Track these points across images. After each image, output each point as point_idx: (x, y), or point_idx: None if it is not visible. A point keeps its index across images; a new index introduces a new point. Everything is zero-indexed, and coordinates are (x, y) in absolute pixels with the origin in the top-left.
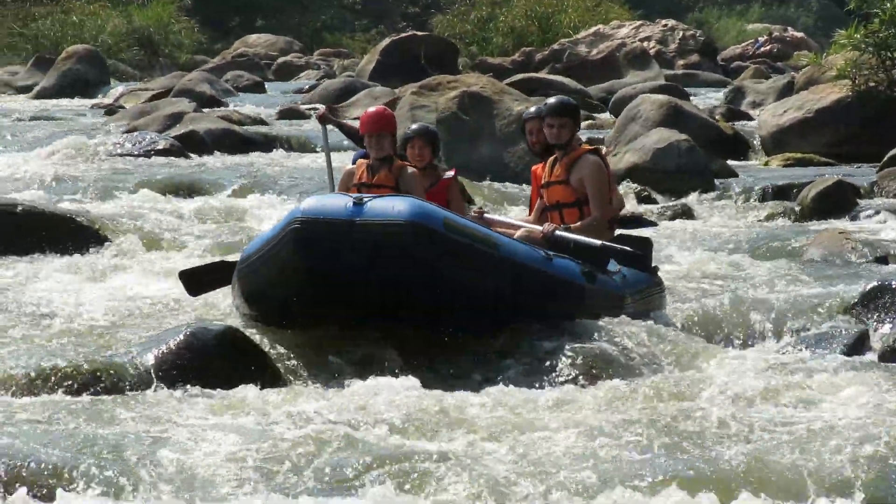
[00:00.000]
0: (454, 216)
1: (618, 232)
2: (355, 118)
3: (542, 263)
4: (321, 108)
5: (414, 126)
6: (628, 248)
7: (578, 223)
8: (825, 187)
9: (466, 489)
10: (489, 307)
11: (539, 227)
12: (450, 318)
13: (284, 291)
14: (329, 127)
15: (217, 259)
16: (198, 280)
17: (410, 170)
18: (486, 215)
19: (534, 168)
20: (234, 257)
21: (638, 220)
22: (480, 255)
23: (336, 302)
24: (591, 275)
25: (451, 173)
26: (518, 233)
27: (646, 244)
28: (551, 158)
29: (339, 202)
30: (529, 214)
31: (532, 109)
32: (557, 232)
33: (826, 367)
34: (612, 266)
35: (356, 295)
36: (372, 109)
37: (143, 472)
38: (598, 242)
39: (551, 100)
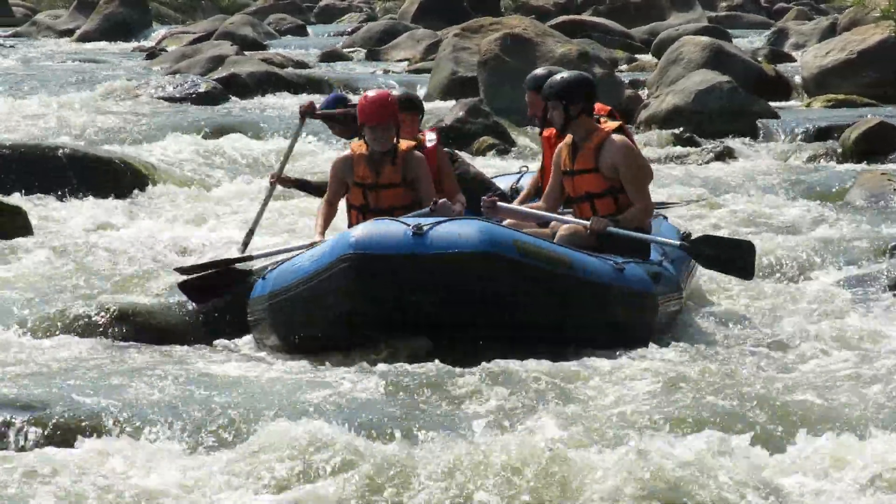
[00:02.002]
0: (524, 237)
1: (704, 233)
2: (402, 59)
3: (615, 277)
4: (306, 102)
5: (396, 94)
6: (737, 240)
7: (623, 216)
8: (867, 128)
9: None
10: (562, 329)
11: (581, 222)
12: (518, 343)
13: (330, 327)
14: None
15: (213, 259)
16: (199, 287)
17: (417, 154)
18: (499, 203)
19: (545, 134)
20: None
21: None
22: (555, 277)
23: (391, 335)
24: (657, 276)
25: (432, 136)
26: (560, 232)
27: (748, 248)
28: (568, 141)
29: (396, 232)
30: (541, 184)
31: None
32: (610, 228)
33: (869, 304)
34: (656, 253)
35: (417, 328)
36: (372, 94)
37: (173, 414)
38: (675, 242)
39: (540, 72)
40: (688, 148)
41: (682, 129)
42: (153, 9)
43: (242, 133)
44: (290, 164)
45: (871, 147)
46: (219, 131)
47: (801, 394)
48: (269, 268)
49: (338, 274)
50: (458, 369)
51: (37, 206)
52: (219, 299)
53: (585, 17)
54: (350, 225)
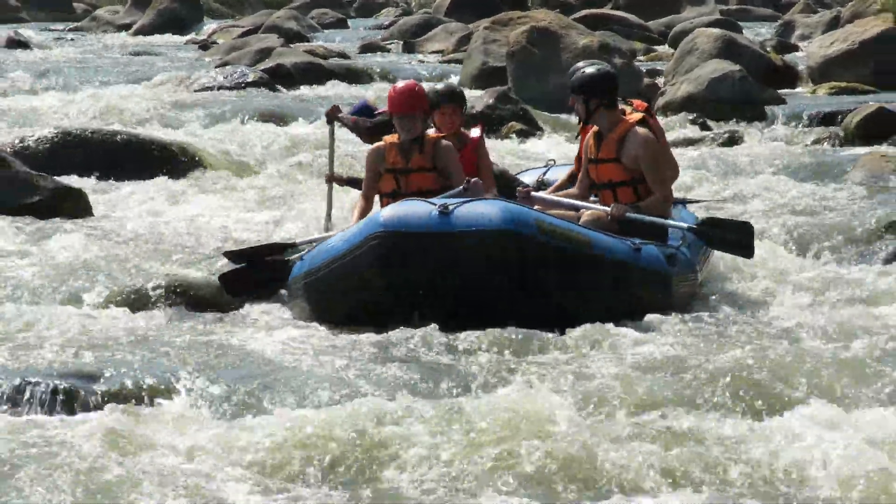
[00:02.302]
0: (545, 217)
1: (706, 214)
2: (435, 51)
3: (633, 256)
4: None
5: (440, 88)
6: (738, 222)
7: (643, 203)
8: (868, 113)
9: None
10: (581, 306)
11: (603, 208)
12: (537, 320)
13: (361, 304)
14: (336, 124)
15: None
16: (236, 280)
17: (444, 143)
18: (532, 193)
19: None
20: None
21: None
22: (575, 255)
23: (419, 311)
24: (673, 258)
25: (477, 132)
26: (584, 217)
27: (748, 229)
28: (595, 130)
29: (422, 211)
30: (576, 171)
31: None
32: (629, 214)
33: (869, 277)
34: (674, 240)
35: (443, 305)
36: (401, 85)
37: (216, 380)
38: (684, 224)
39: (581, 65)
40: (701, 132)
41: (696, 114)
42: (204, 4)
43: (288, 119)
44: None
45: (871, 131)
46: (266, 118)
47: (798, 350)
48: (307, 250)
49: (367, 252)
50: (467, 340)
51: (96, 188)
52: (251, 293)
53: (606, 10)
54: None
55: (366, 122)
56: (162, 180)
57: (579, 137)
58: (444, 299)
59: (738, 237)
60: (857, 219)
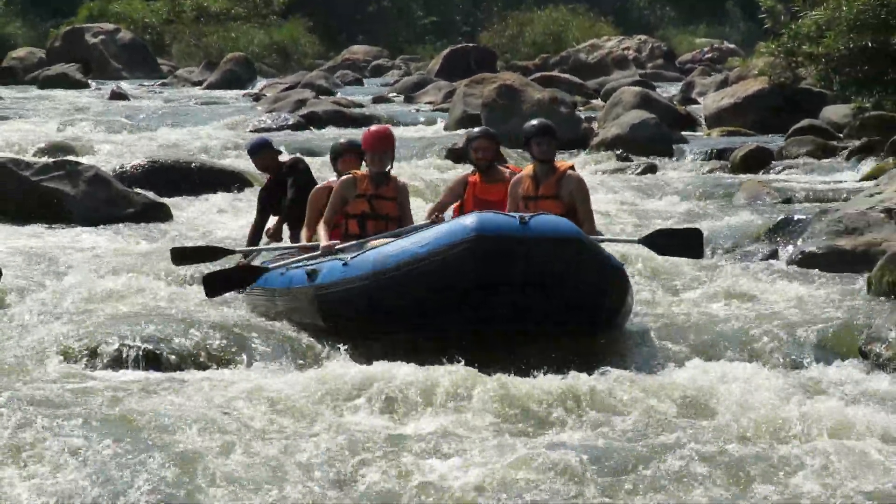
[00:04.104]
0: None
1: (659, 226)
2: (428, 101)
3: (621, 266)
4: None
5: (341, 142)
6: (687, 229)
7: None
8: (749, 150)
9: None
10: (600, 307)
11: None
12: (583, 310)
13: (441, 305)
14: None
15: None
16: (217, 281)
17: (402, 182)
18: None
19: (471, 179)
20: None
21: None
22: (599, 260)
23: (493, 311)
24: None
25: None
26: None
27: (697, 234)
28: (529, 173)
29: (510, 221)
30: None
31: (476, 130)
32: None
33: (750, 273)
34: None
35: (513, 303)
36: (374, 128)
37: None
38: (635, 238)
39: (534, 122)
40: (625, 163)
41: (621, 150)
42: (257, 67)
43: (318, 152)
44: None
45: (751, 163)
46: (302, 151)
47: (696, 330)
48: (347, 257)
49: (464, 251)
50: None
51: (175, 201)
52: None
53: (556, 73)
54: (346, 232)
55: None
56: (222, 195)
57: (467, 186)
58: (516, 292)
59: (687, 241)
60: (741, 228)
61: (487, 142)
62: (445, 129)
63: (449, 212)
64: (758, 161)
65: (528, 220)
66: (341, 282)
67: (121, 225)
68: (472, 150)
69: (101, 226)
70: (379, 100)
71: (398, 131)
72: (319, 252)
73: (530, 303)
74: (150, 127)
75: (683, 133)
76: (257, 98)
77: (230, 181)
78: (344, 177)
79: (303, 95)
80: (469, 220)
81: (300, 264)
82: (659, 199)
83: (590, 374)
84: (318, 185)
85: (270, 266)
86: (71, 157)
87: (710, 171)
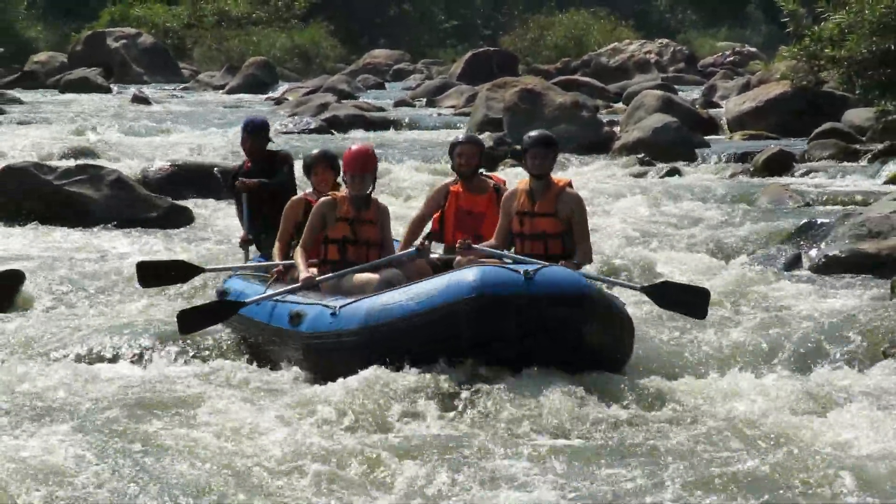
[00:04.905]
0: (592, 281)
1: (663, 278)
2: (450, 105)
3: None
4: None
5: (314, 153)
6: (695, 287)
7: (578, 258)
8: (771, 154)
9: None
10: (607, 356)
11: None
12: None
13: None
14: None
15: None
16: (195, 317)
17: (383, 205)
18: (473, 245)
19: (453, 188)
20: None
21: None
22: (605, 313)
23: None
24: None
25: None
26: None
27: (704, 294)
28: (524, 187)
29: (513, 277)
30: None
31: (461, 136)
32: (581, 272)
33: (772, 277)
34: None
35: (524, 358)
36: (355, 148)
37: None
38: (637, 285)
39: (534, 133)
40: (647, 167)
41: (643, 154)
42: (279, 71)
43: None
44: None
45: (773, 167)
46: None
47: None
48: (336, 307)
49: (467, 308)
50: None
51: (197, 205)
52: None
53: (577, 77)
54: (325, 258)
55: (258, 185)
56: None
57: (448, 196)
58: (530, 349)
59: (692, 299)
60: (764, 232)
61: (471, 147)
62: (468, 130)
63: (429, 225)
64: (780, 164)
65: (532, 274)
66: (332, 333)
67: (143, 228)
68: (455, 157)
69: (124, 229)
70: (400, 104)
71: (419, 134)
72: (300, 284)
73: (530, 353)
74: (172, 131)
75: (705, 137)
76: (279, 102)
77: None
78: (323, 198)
79: (325, 99)
80: (471, 275)
81: (280, 298)
82: (681, 202)
83: (602, 375)
84: (294, 197)
85: (247, 301)
86: (93, 161)
87: (733, 175)
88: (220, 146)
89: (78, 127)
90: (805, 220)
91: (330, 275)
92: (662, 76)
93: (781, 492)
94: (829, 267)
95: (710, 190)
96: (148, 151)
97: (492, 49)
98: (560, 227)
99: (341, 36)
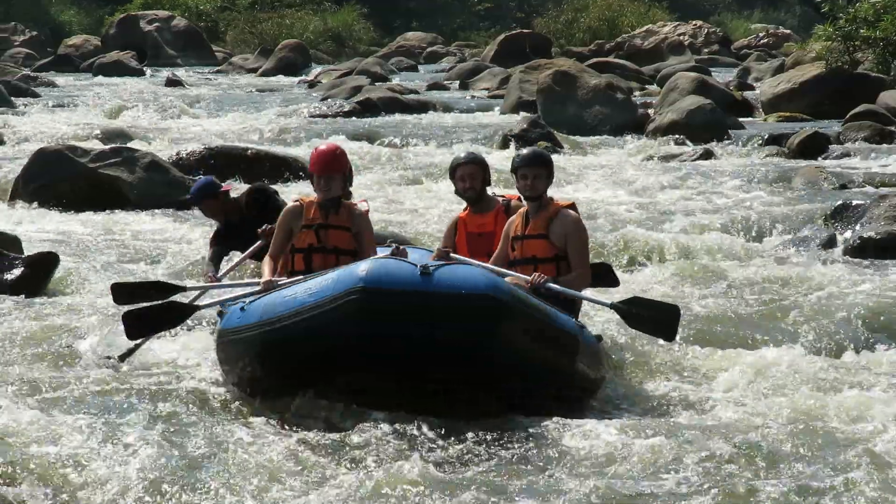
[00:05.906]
0: (513, 286)
1: (633, 295)
2: (483, 88)
3: (577, 330)
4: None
5: (461, 156)
6: (664, 304)
7: (566, 276)
8: (806, 136)
9: None
10: (539, 377)
11: (523, 276)
12: (498, 389)
13: (326, 363)
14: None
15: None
16: (141, 318)
17: (359, 210)
18: (452, 255)
19: (461, 216)
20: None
21: (607, 273)
22: (538, 324)
23: (386, 373)
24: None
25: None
26: (507, 280)
27: (674, 312)
28: (521, 212)
29: (405, 270)
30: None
31: (462, 155)
32: (550, 284)
33: (807, 258)
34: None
35: (412, 367)
36: (323, 147)
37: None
38: (606, 301)
39: (524, 151)
40: (681, 148)
41: (678, 136)
42: (312, 54)
43: (373, 139)
44: None
45: (808, 149)
46: (357, 137)
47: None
48: (247, 300)
49: (349, 304)
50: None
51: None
52: (153, 335)
53: (611, 59)
54: (292, 268)
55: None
56: (278, 181)
57: (457, 227)
58: (413, 356)
59: (660, 318)
60: (798, 214)
61: (473, 168)
62: (501, 113)
63: None
64: (815, 146)
65: (431, 270)
66: (238, 329)
67: (177, 210)
68: (457, 181)
69: (158, 211)
70: (434, 86)
71: (453, 118)
72: (259, 288)
73: (420, 363)
74: (206, 114)
75: (739, 119)
76: (312, 85)
77: (285, 168)
78: (290, 205)
79: (358, 82)
80: (362, 266)
81: (233, 303)
82: (715, 184)
83: (632, 349)
84: (290, 205)
85: (202, 305)
86: (127, 144)
87: (767, 157)
88: (255, 130)
89: (111, 110)
90: (840, 202)
91: (289, 279)
92: (696, 58)
93: (817, 473)
94: (863, 249)
95: (744, 172)
96: (181, 134)
97: (525, 31)
98: (552, 250)
99: (374, 18)
